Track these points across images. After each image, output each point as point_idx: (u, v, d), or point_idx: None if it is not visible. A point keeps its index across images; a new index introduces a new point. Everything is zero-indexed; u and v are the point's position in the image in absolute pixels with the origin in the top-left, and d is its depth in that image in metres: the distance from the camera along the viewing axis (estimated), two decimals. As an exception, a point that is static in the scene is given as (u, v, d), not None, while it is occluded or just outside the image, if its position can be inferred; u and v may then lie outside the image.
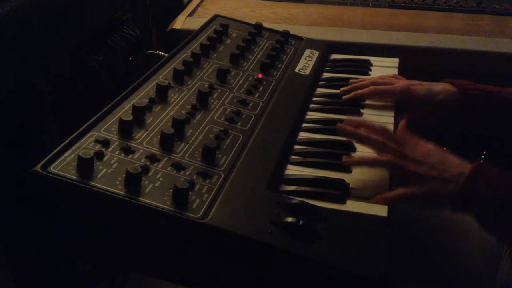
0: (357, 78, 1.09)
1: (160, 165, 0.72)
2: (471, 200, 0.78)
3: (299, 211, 0.68)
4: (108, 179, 0.68)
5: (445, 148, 0.83)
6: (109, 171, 0.69)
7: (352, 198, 0.76)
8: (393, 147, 0.83)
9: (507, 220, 0.78)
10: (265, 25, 1.20)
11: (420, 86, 1.01)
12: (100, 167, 0.69)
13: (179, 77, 0.93)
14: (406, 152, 0.83)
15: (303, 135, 0.91)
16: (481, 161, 0.80)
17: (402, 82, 1.03)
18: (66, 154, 0.71)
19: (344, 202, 0.74)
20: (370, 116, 0.97)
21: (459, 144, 0.82)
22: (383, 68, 1.15)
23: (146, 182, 0.69)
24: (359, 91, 1.02)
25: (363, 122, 0.89)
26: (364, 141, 0.86)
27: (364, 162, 0.85)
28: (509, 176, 0.78)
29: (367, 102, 1.02)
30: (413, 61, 1.13)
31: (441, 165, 0.81)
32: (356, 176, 0.81)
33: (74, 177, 0.67)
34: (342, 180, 0.78)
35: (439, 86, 1.01)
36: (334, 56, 1.20)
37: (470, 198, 0.78)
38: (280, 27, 1.22)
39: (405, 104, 1.02)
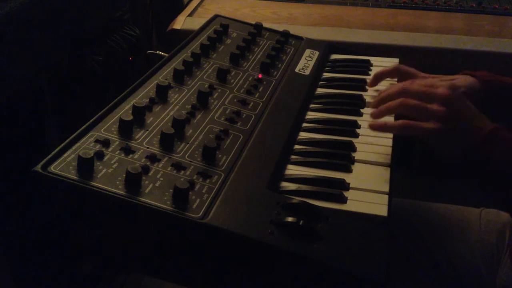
0: (357, 78, 1.09)
1: (160, 165, 0.72)
2: (482, 157, 0.78)
3: (299, 211, 0.68)
4: (108, 179, 0.68)
5: None
6: (109, 171, 0.69)
7: (351, 197, 0.76)
8: (421, 90, 0.85)
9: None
10: (265, 25, 1.20)
11: (440, 83, 1.01)
12: (100, 167, 0.69)
13: (179, 77, 0.93)
14: (434, 91, 0.83)
15: (303, 135, 0.91)
16: (502, 124, 0.81)
17: (421, 81, 1.03)
18: (66, 154, 0.71)
19: (344, 202, 0.75)
20: (370, 116, 0.97)
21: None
22: (384, 68, 1.15)
23: (146, 182, 0.69)
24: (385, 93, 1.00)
25: (382, 97, 0.89)
26: (394, 109, 0.86)
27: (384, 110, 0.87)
28: None
29: (368, 101, 1.02)
30: (413, 61, 1.13)
31: (467, 114, 0.82)
32: (356, 176, 0.81)
33: (74, 177, 0.67)
34: (343, 180, 0.78)
35: (460, 80, 1.01)
36: (334, 56, 1.20)
37: (481, 155, 0.78)
38: (280, 27, 1.21)
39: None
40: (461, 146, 0.81)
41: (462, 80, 1.00)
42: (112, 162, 0.71)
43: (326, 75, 1.12)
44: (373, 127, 0.85)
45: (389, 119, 0.90)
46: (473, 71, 1.02)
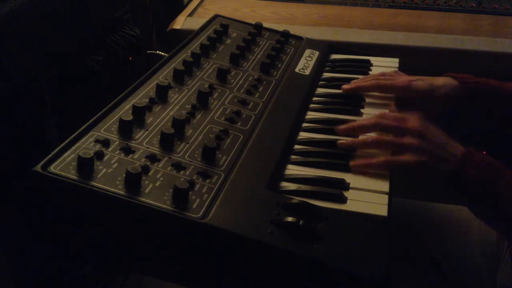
0: (357, 78, 1.09)
1: (160, 165, 0.72)
2: (460, 181, 0.80)
3: (299, 211, 0.68)
4: (108, 179, 0.68)
5: None
6: (109, 171, 0.69)
7: (351, 196, 0.76)
8: (393, 124, 0.86)
9: (493, 203, 0.80)
10: (265, 25, 1.20)
11: (421, 81, 1.01)
12: (100, 167, 0.69)
13: (179, 77, 0.93)
14: (406, 125, 0.85)
15: (303, 134, 0.91)
16: (472, 147, 0.83)
17: (403, 78, 1.03)
18: (66, 154, 0.71)
19: (344, 202, 0.75)
20: (370, 116, 0.97)
21: (460, 138, 0.85)
22: (383, 68, 1.15)
23: (146, 182, 0.69)
24: (361, 84, 1.03)
25: (353, 126, 0.89)
26: (369, 145, 0.87)
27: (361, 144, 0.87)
28: (496, 162, 0.81)
29: (367, 101, 1.02)
30: (413, 61, 1.14)
31: (439, 142, 0.84)
32: (356, 176, 0.81)
33: (74, 177, 0.67)
34: (342, 180, 0.78)
35: (440, 81, 1.01)
36: (334, 56, 1.20)
37: (459, 179, 0.80)
38: (280, 27, 1.21)
39: (407, 100, 1.03)
40: (438, 173, 0.82)
41: (442, 82, 1.01)
42: (112, 162, 0.71)
43: (326, 75, 1.12)
44: (355, 169, 0.82)
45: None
46: (456, 73, 1.02)
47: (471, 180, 0.79)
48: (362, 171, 0.82)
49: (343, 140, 0.87)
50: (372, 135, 0.88)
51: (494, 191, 0.79)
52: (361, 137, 0.88)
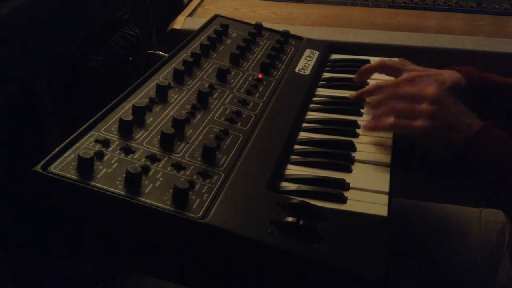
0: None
1: (160, 165, 0.72)
2: (472, 155, 0.78)
3: (299, 211, 0.68)
4: (108, 179, 0.68)
5: None
6: (109, 171, 0.69)
7: (351, 197, 0.76)
8: (410, 91, 0.86)
9: (505, 181, 0.78)
10: (265, 25, 1.20)
11: (426, 77, 1.01)
12: (100, 167, 0.69)
13: (179, 77, 0.93)
14: (423, 91, 0.84)
15: (303, 135, 0.91)
16: (491, 122, 0.81)
17: (407, 74, 1.02)
18: (66, 154, 0.71)
19: (344, 202, 0.75)
20: (370, 115, 0.97)
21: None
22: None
23: (146, 182, 0.69)
24: (365, 89, 1.02)
25: (369, 89, 0.93)
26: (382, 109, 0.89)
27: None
28: None
29: (367, 101, 1.02)
30: (413, 61, 1.13)
31: (455, 111, 0.82)
32: (356, 176, 0.81)
33: (74, 177, 0.67)
34: (343, 180, 0.78)
35: (445, 75, 1.01)
36: (334, 56, 1.20)
37: (471, 152, 0.78)
38: (280, 27, 1.21)
39: None
40: (451, 143, 0.81)
41: (448, 75, 1.00)
42: (112, 162, 0.71)
43: (326, 75, 1.12)
44: (366, 128, 0.89)
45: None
46: (459, 67, 1.02)
47: (483, 155, 0.77)
48: (373, 129, 0.86)
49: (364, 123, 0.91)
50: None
51: (508, 167, 0.77)
52: (377, 112, 0.89)
